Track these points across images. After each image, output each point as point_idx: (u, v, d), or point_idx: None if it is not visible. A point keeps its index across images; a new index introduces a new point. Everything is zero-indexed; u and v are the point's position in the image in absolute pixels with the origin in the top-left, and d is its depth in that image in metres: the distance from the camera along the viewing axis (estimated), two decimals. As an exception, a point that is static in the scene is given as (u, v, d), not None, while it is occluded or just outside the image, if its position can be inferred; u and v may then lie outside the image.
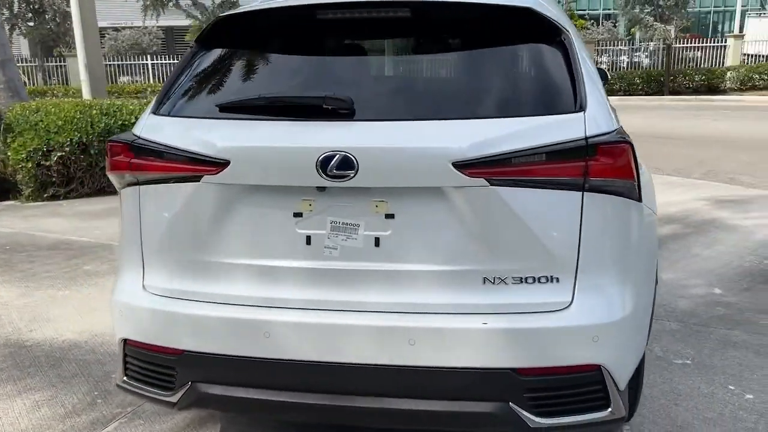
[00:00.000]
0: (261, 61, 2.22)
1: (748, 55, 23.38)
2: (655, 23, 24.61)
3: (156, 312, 1.97)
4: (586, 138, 1.78)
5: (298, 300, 1.89)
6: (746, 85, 20.74)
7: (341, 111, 1.85)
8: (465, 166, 1.77)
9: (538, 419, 1.82)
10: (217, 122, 1.95)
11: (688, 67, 22.20)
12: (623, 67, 23.00)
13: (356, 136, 1.84)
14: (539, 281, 1.83)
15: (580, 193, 1.80)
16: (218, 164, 1.85)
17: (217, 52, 2.17)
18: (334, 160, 1.78)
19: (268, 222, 1.90)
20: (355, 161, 1.77)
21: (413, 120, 1.87)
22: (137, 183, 1.98)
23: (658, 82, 20.88)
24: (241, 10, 2.13)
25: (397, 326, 1.82)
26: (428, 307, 1.84)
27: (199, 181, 1.88)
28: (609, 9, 40.02)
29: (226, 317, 1.90)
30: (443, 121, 1.86)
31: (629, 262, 1.91)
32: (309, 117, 1.87)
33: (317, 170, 1.80)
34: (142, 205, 1.98)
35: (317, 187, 1.84)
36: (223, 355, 1.90)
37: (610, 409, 1.87)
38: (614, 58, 23.31)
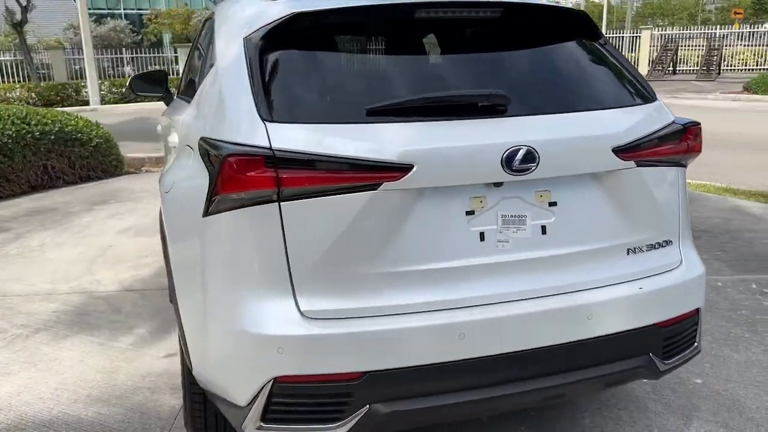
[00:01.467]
0: (367, 59, 2.16)
1: None
2: None
3: (326, 338, 1.79)
4: (674, 121, 2.13)
5: (479, 297, 1.89)
6: None
7: (498, 107, 1.90)
8: (621, 150, 1.98)
9: (663, 364, 2.11)
10: (378, 126, 1.83)
11: None
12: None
13: (533, 129, 1.90)
14: (662, 245, 2.12)
15: (678, 168, 2.14)
16: (400, 169, 1.77)
17: (300, 50, 2.04)
18: (519, 154, 1.83)
19: (440, 224, 1.86)
20: (536, 154, 1.85)
21: (572, 112, 2.01)
22: (274, 200, 1.77)
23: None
24: (328, 7, 2.04)
25: (574, 305, 1.95)
26: (594, 282, 2.00)
27: (376, 189, 1.77)
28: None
29: (411, 327, 1.81)
30: (593, 111, 2.04)
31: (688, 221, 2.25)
32: (466, 115, 1.88)
33: (502, 166, 1.83)
34: (287, 222, 1.77)
35: (494, 183, 1.88)
36: (413, 367, 1.82)
37: (696, 344, 2.25)
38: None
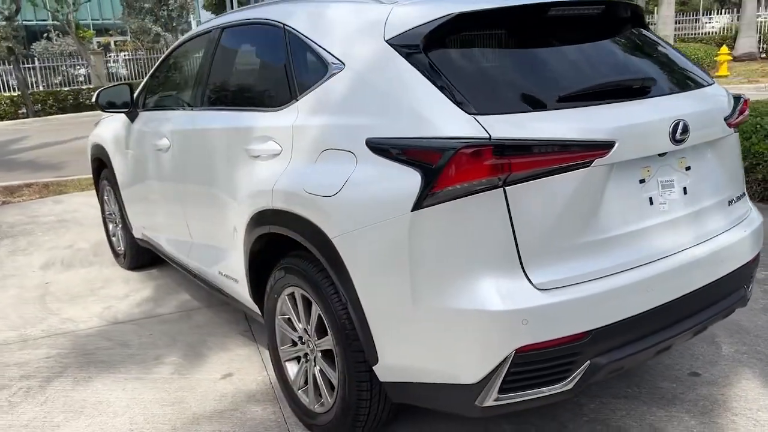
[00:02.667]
0: (526, 53, 2.28)
1: None
2: (164, 33, 26.30)
3: (558, 305, 1.95)
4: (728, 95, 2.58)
5: (656, 253, 2.17)
6: None
7: (647, 89, 2.25)
8: (727, 119, 2.42)
9: (748, 292, 2.56)
10: (576, 110, 2.04)
11: None
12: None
13: (682, 105, 2.29)
14: (741, 197, 2.56)
15: (736, 133, 2.57)
16: (606, 146, 1.99)
17: (469, 48, 2.20)
18: (681, 126, 2.16)
19: (625, 193, 2.10)
20: (689, 125, 2.18)
21: (689, 90, 2.42)
22: (499, 185, 1.89)
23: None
24: (484, 7, 2.19)
25: (713, 251, 2.30)
26: (719, 229, 2.38)
27: (589, 166, 1.97)
28: (109, 19, 42.50)
29: (620, 286, 2.04)
30: (702, 89, 2.46)
31: None
32: (631, 96, 2.19)
33: (669, 137, 2.15)
34: (513, 204, 1.90)
35: (659, 153, 2.17)
36: (623, 320, 2.05)
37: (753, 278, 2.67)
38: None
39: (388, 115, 2.12)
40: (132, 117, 4.00)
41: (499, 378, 1.97)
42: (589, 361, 2.04)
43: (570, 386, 2.05)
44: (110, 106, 3.92)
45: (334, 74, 2.37)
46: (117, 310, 4.06)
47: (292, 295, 2.62)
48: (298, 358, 2.71)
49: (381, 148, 2.09)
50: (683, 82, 2.48)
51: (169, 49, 3.93)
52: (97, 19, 45.00)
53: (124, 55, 25.25)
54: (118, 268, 4.86)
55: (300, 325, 2.60)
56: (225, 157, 2.90)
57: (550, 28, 2.33)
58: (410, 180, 1.98)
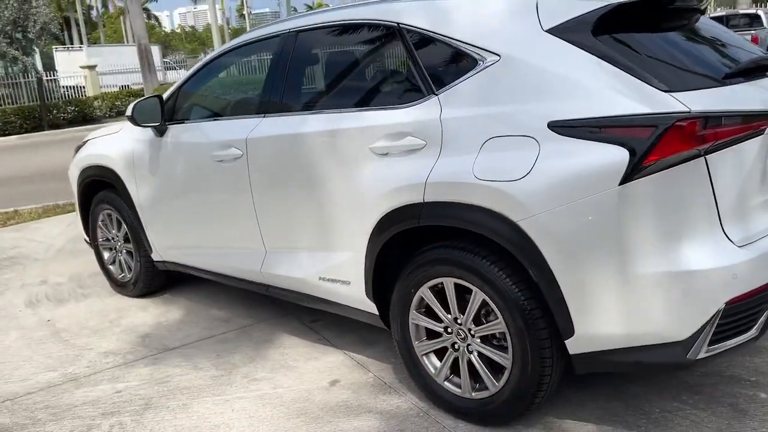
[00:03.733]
0: (675, 37, 2.51)
1: (66, 87, 24.14)
2: (21, 57, 24.62)
3: (755, 258, 2.17)
4: None
5: None
6: (113, 111, 22.01)
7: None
8: None
9: None
10: (742, 86, 2.30)
11: (60, 99, 22.11)
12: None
13: None
14: None
15: None
16: None
17: (633, 33, 2.40)
18: None
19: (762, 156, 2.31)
20: None
21: None
22: (701, 154, 2.09)
23: (35, 118, 19.73)
24: None
25: None
26: None
27: (763, 133, 2.21)
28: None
29: None
30: None
31: None
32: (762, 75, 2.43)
33: None
34: (713, 171, 2.11)
35: None
36: None
37: None
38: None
39: (573, 98, 2.26)
40: (161, 131, 3.79)
41: (710, 331, 2.17)
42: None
43: (756, 333, 2.29)
44: (144, 121, 3.70)
45: (487, 66, 2.46)
46: (158, 337, 3.81)
47: (436, 287, 2.66)
48: (440, 350, 2.75)
49: (571, 129, 2.21)
50: None
51: (206, 59, 3.77)
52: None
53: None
54: (123, 298, 4.53)
55: (449, 316, 2.65)
56: (340, 158, 2.87)
57: (673, 16, 2.58)
58: (615, 156, 2.13)
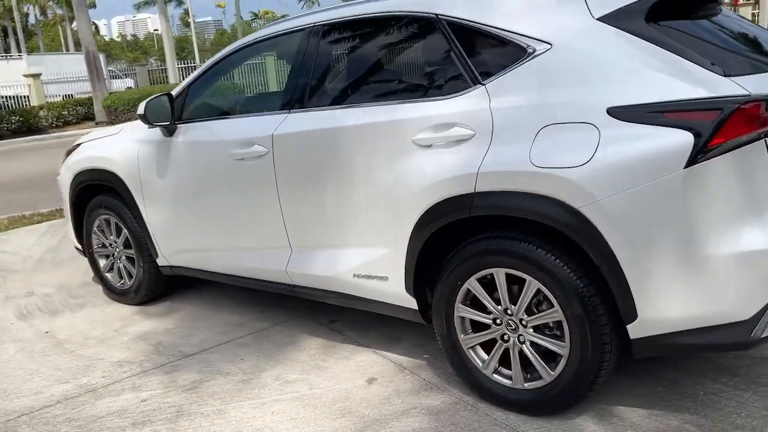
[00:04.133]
0: (714, 26, 2.57)
1: (5, 97, 22.59)
2: None
3: None
4: None
5: None
6: (60, 121, 21.79)
7: None
8: None
9: None
10: None
11: (2, 109, 21.48)
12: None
13: None
14: None
15: None
16: None
17: (678, 20, 2.46)
18: None
19: None
20: None
21: None
22: (762, 136, 2.14)
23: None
24: None
25: None
26: None
27: None
28: None
29: None
30: None
31: None
32: None
33: None
34: None
35: None
36: None
37: None
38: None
39: (630, 84, 2.29)
40: (170, 131, 3.67)
41: None
42: None
43: None
44: (155, 120, 3.57)
45: (538, 55, 2.47)
46: (172, 345, 3.68)
47: (484, 278, 2.64)
48: (487, 343, 2.73)
49: (632, 114, 2.24)
50: None
51: (217, 57, 3.66)
52: None
53: None
54: (122, 306, 4.35)
55: (499, 307, 2.63)
56: (378, 152, 2.83)
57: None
58: (679, 139, 2.16)
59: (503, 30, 2.57)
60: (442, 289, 2.76)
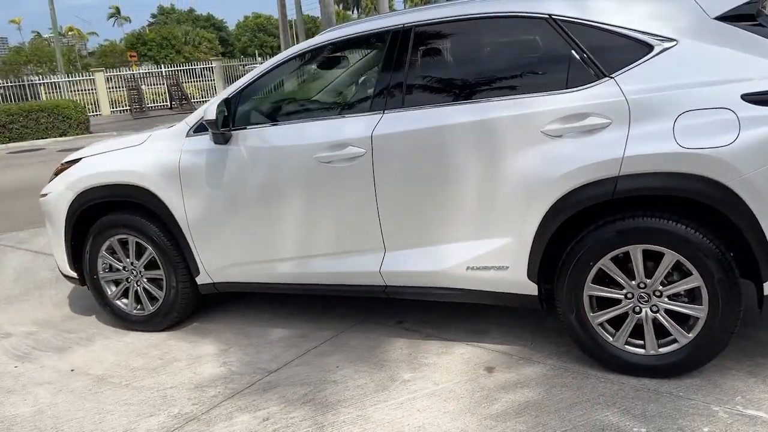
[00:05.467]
0: None
1: None
2: None
3: None
4: None
5: None
6: None
7: None
8: None
9: None
10: None
11: None
12: None
13: None
14: None
15: None
16: None
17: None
18: None
19: None
20: None
21: None
22: None
23: None
24: None
25: None
26: None
27: None
28: None
29: None
30: None
31: None
32: None
33: None
34: None
35: None
36: None
37: None
38: None
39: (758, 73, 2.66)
40: (226, 138, 3.47)
41: None
42: None
43: None
44: (212, 126, 3.36)
45: (665, 50, 2.77)
46: (244, 364, 3.45)
47: (616, 258, 2.87)
48: (618, 318, 2.95)
49: (766, 99, 2.61)
50: None
51: (279, 60, 3.50)
52: None
53: None
54: (143, 334, 3.97)
55: (633, 282, 2.87)
56: (501, 145, 2.94)
57: None
58: None
59: (627, 29, 2.84)
60: (572, 271, 2.94)
